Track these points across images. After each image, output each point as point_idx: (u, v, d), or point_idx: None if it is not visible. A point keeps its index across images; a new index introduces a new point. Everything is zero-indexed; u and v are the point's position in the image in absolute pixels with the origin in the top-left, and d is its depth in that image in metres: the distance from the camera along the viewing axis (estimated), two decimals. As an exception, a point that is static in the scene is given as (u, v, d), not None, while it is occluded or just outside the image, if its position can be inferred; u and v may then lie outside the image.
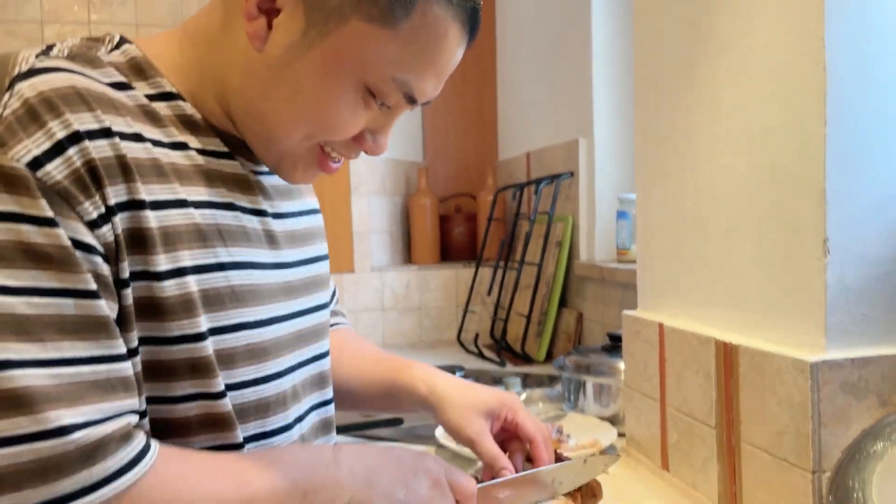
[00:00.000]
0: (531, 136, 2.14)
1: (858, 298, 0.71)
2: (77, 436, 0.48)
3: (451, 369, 1.70)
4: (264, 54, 0.61)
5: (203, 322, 0.59)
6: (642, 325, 1.03)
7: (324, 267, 0.80)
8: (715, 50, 0.87)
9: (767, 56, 0.78)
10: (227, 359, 0.61)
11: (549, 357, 1.84)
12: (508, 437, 0.83)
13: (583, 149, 1.77)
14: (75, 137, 0.52)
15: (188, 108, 0.63)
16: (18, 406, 0.47)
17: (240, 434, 0.62)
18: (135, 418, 0.54)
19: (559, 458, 0.89)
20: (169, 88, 0.63)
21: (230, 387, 0.62)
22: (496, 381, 1.63)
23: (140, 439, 0.53)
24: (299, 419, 0.71)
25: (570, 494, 0.83)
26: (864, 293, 0.71)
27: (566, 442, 1.11)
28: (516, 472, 0.78)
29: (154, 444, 0.54)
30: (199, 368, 0.59)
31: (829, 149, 0.70)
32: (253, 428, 0.64)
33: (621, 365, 1.19)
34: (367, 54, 0.60)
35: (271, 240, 0.69)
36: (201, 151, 0.63)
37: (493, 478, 0.76)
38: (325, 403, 0.77)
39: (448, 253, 2.35)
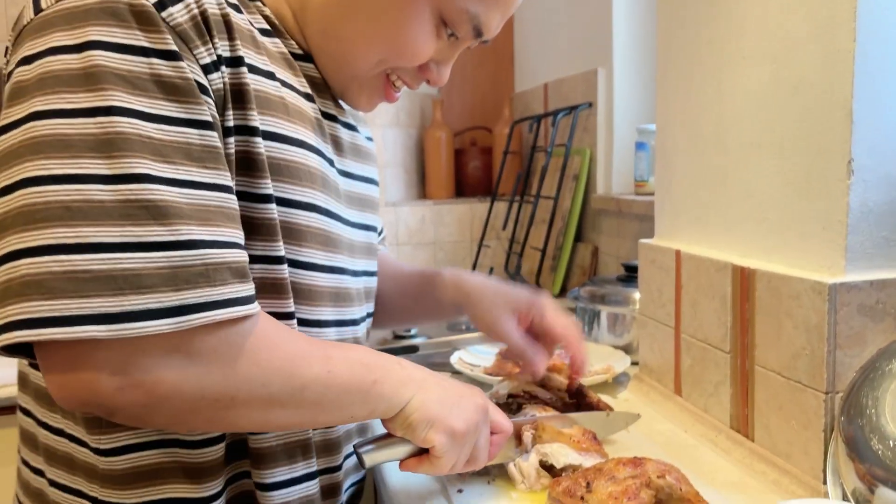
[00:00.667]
0: (549, 66, 2.09)
1: (880, 221, 0.70)
2: (204, 251, 0.51)
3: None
4: None
5: (269, 186, 0.61)
6: (658, 252, 1.02)
7: (375, 190, 0.83)
8: (742, -35, 0.84)
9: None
10: (296, 234, 0.64)
11: (564, 291, 1.84)
12: (535, 336, 0.85)
13: (602, 79, 1.74)
14: None
15: (268, 11, 0.67)
16: (155, 216, 0.50)
17: (292, 304, 0.64)
18: (247, 259, 0.56)
19: (579, 389, 0.90)
20: None
21: (294, 263, 0.64)
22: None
23: (251, 286, 0.55)
24: (364, 319, 0.76)
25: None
26: (886, 216, 0.70)
27: (580, 369, 1.12)
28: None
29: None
30: (264, 230, 0.61)
31: (857, 67, 0.68)
32: (305, 312, 0.67)
33: (636, 295, 1.19)
34: None
35: (337, 145, 0.73)
36: (285, 52, 0.67)
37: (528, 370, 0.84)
38: (369, 315, 0.80)
39: (463, 188, 2.33)
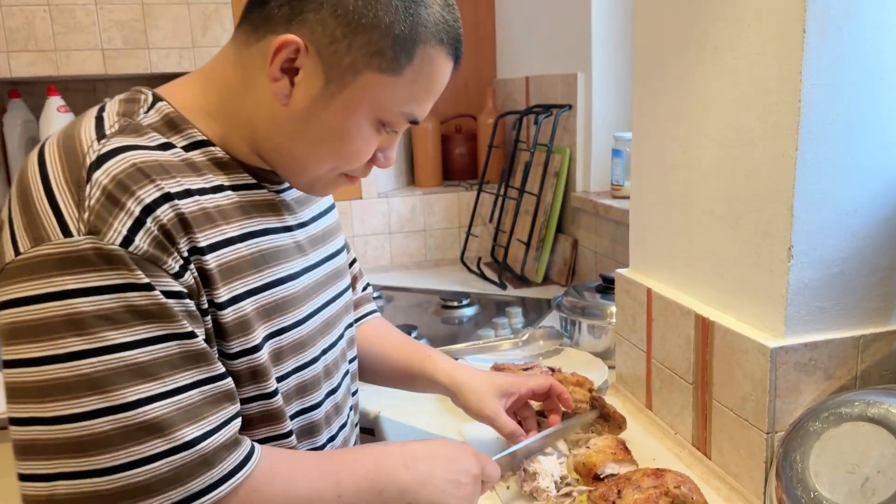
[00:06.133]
0: (530, 60, 2.18)
1: (814, 294, 0.85)
2: (199, 446, 0.63)
3: (458, 296, 1.85)
4: (289, 107, 0.71)
5: (259, 335, 0.72)
6: (633, 285, 1.17)
7: (342, 259, 0.93)
8: (710, 24, 0.95)
9: (754, 61, 0.86)
10: (277, 357, 0.76)
11: (546, 279, 1.99)
12: (520, 407, 1.00)
13: (581, 83, 1.84)
14: (148, 210, 0.63)
15: (218, 151, 0.74)
16: (154, 432, 0.61)
17: (288, 424, 0.78)
18: (238, 424, 0.68)
19: (598, 401, 1.06)
20: (200, 137, 0.72)
21: (279, 378, 0.76)
22: (499, 307, 1.79)
23: (246, 445, 0.68)
24: (332, 392, 0.87)
25: (596, 429, 1.03)
26: (819, 289, 0.85)
27: (564, 378, 1.28)
28: (531, 433, 0.96)
29: (257, 448, 0.69)
30: (257, 375, 0.73)
31: (798, 170, 0.81)
32: (296, 406, 0.80)
33: (612, 308, 1.34)
34: (380, 98, 0.71)
35: (300, 249, 0.81)
36: (235, 188, 0.74)
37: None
38: (351, 369, 0.93)
39: (450, 173, 2.44)
